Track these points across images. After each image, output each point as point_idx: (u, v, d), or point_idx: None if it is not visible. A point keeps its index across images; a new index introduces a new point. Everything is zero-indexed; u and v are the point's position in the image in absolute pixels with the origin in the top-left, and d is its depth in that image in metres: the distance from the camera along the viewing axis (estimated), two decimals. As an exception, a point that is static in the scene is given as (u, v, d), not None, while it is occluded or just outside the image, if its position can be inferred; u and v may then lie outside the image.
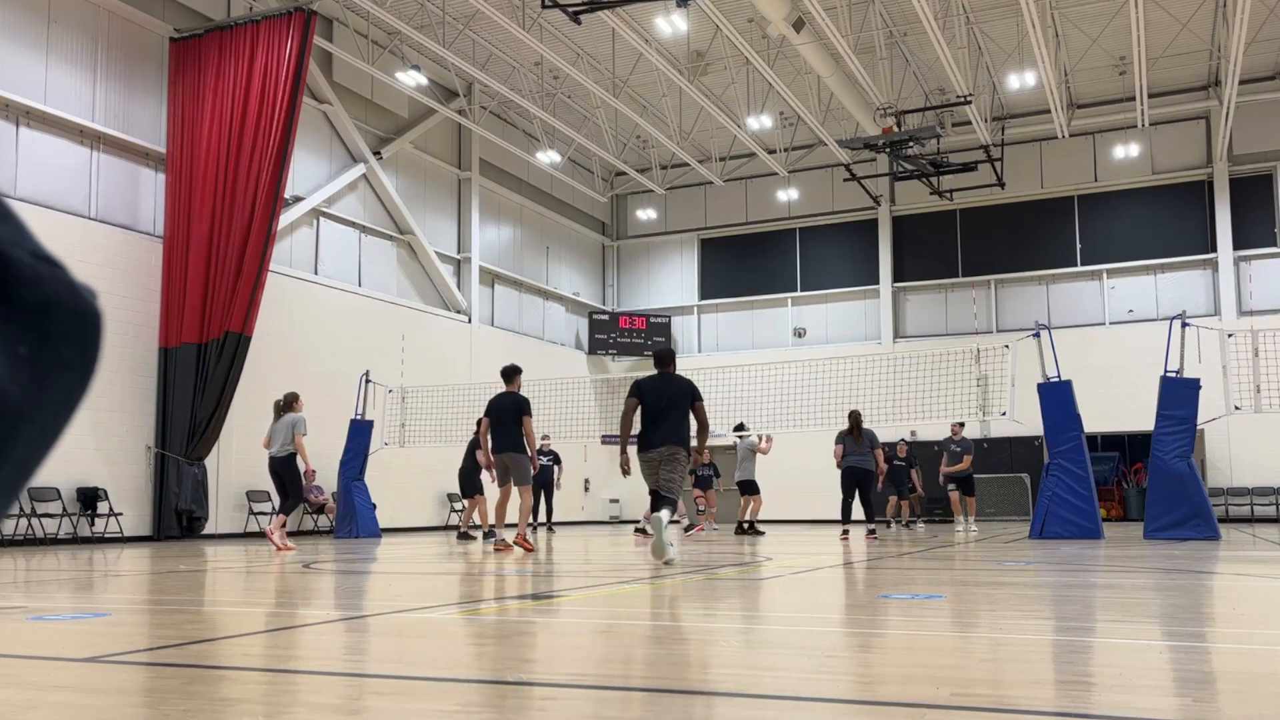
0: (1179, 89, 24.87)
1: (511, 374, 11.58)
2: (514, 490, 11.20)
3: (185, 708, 2.82)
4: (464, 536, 15.70)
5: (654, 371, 9.39)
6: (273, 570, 9.08)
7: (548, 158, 26.00)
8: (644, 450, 9.09)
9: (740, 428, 18.20)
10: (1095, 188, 25.98)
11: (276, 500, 18.19)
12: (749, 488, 17.92)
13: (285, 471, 12.37)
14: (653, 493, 9.03)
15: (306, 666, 3.66)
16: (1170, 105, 24.84)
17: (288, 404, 12.53)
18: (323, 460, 19.03)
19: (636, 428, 9.20)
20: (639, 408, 9.14)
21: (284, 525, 12.52)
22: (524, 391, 11.56)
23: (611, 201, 30.89)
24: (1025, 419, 15.04)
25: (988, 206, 26.47)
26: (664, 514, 8.66)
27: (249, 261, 16.59)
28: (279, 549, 12.13)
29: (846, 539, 14.05)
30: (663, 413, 9.04)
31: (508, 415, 11.14)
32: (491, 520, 12.80)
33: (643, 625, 5.02)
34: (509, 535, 11.69)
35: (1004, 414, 14.57)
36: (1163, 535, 12.98)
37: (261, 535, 17.86)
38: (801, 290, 28.49)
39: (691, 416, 9.11)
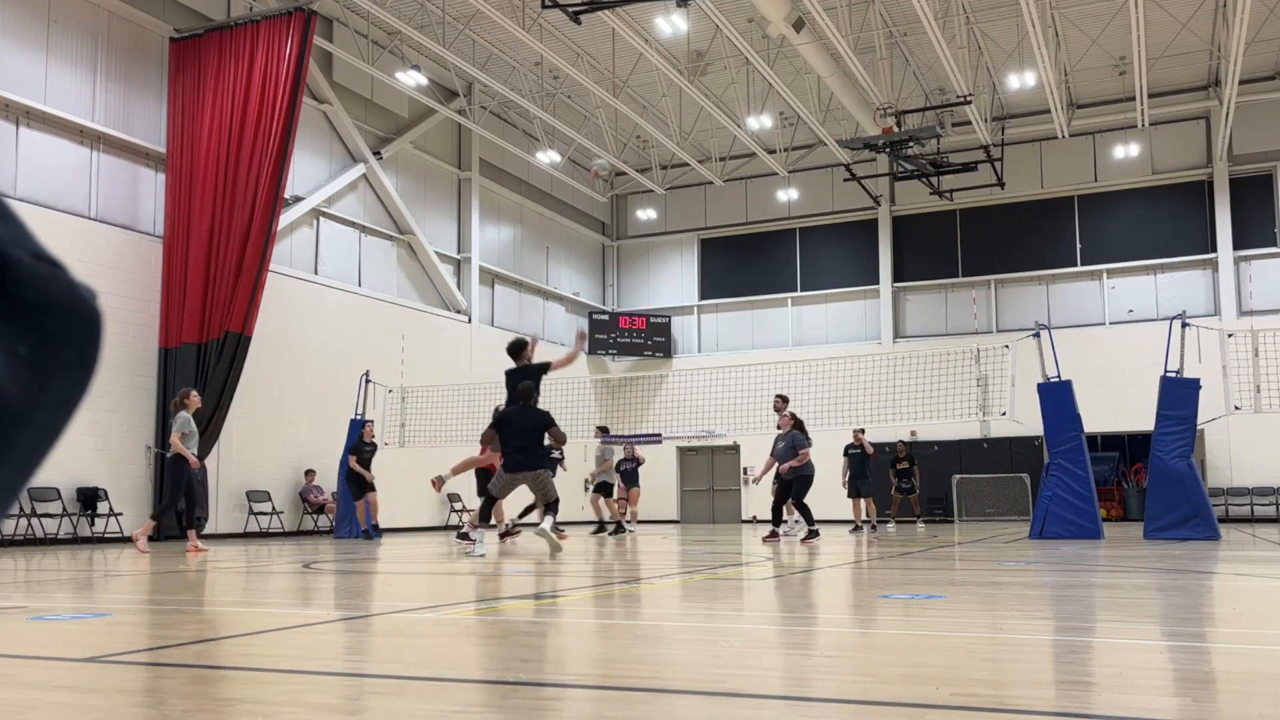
0: (1179, 89, 24.86)
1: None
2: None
3: (185, 708, 2.82)
4: (464, 537, 15.64)
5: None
6: (272, 570, 9.08)
7: (548, 158, 25.99)
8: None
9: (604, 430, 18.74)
10: (1095, 188, 25.97)
11: (272, 502, 18.27)
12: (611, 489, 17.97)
13: (167, 472, 11.82)
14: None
15: (306, 666, 3.66)
16: (1170, 105, 24.83)
17: (180, 402, 11.96)
18: (323, 460, 19.04)
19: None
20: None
21: (151, 529, 12.06)
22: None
23: (611, 201, 30.88)
24: (1025, 419, 15.03)
25: (988, 206, 26.45)
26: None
27: (249, 261, 16.58)
28: (139, 550, 11.79)
29: (775, 541, 13.48)
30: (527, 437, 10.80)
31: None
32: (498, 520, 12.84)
33: (642, 625, 5.02)
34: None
35: (1004, 414, 14.56)
36: (1163, 535, 12.98)
37: (262, 535, 17.87)
38: (801, 290, 28.48)
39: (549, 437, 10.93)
